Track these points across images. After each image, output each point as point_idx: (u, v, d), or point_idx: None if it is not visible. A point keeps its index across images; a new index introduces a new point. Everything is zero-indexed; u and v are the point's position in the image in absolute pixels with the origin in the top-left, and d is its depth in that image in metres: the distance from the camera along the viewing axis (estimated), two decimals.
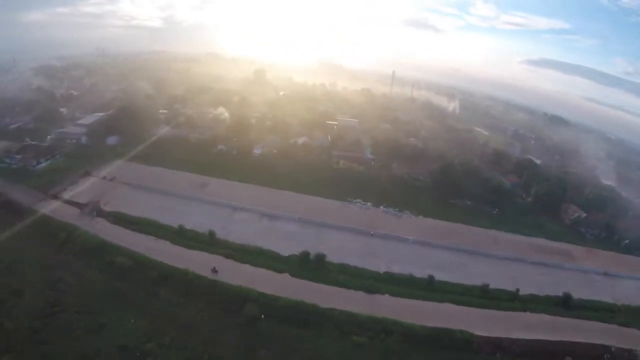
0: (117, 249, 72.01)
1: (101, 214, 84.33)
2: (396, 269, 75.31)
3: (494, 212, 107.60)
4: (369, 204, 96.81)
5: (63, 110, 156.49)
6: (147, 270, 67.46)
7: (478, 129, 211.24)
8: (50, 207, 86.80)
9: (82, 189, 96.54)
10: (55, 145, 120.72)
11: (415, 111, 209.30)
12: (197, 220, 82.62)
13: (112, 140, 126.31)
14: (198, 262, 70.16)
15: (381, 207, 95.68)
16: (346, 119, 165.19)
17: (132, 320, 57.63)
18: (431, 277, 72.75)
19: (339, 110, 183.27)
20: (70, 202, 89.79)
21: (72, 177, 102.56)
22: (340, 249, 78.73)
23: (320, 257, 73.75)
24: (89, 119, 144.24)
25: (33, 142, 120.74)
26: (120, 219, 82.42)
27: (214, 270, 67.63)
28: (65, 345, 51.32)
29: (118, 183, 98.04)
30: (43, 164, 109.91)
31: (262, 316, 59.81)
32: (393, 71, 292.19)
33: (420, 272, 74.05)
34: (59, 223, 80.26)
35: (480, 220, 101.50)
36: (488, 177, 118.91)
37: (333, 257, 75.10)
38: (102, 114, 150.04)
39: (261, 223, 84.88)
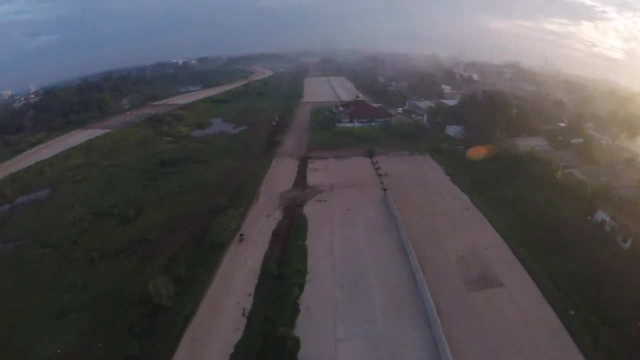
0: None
1: (292, 202, 52.13)
2: None
3: None
4: None
5: (445, 87, 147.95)
6: None
7: None
8: (281, 161, 72.84)
9: (334, 166, 68.30)
10: (382, 114, 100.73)
11: None
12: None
13: (452, 129, 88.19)
14: None
15: None
16: None
17: None
18: None
19: None
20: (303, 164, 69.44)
21: (353, 149, 77.30)
22: None
23: None
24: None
25: (364, 102, 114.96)
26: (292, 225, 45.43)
27: (241, 238, 44.99)
28: None
29: (373, 185, 59.90)
30: (346, 124, 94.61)
31: None
32: None
33: None
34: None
35: None
36: None
37: None
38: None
39: None
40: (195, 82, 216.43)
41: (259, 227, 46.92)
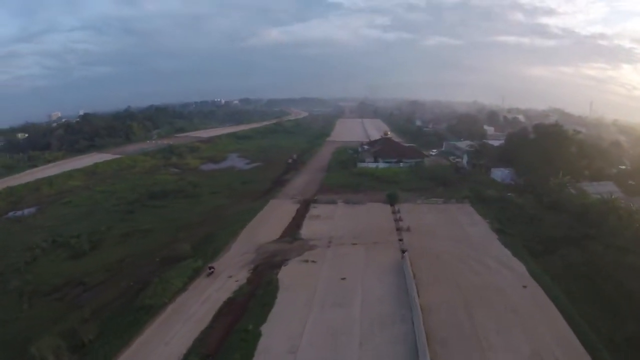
0: None
1: (269, 259, 36.44)
2: None
3: None
4: None
5: (488, 128, 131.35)
6: None
7: None
8: (279, 203, 58.85)
9: (342, 213, 52.63)
10: (413, 153, 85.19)
11: None
12: None
13: (499, 173, 70.68)
14: None
15: None
16: None
17: None
18: None
19: None
20: (304, 208, 54.51)
21: (372, 193, 61.49)
22: None
23: None
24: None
25: (391, 140, 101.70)
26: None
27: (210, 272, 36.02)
28: None
29: (388, 243, 42.82)
30: (369, 164, 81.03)
31: None
32: None
33: None
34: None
35: None
36: None
37: None
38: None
39: None
40: (230, 119, 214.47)
41: (209, 291, 31.79)
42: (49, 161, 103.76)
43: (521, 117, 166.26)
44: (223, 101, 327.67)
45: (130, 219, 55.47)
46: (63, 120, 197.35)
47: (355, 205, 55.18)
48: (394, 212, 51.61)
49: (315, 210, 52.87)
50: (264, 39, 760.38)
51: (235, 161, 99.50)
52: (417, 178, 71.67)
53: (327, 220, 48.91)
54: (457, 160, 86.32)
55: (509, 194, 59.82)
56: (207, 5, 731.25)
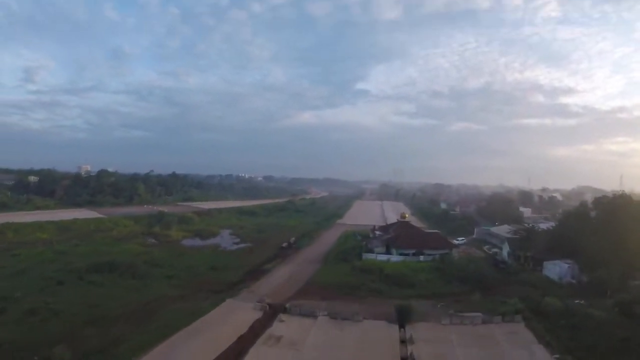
0: None
1: None
2: None
3: None
4: None
5: (524, 210, 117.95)
6: None
7: None
8: (235, 307, 38.94)
9: (317, 336, 33.47)
10: (438, 243, 64.53)
11: None
12: None
13: (554, 268, 49.65)
14: None
15: None
16: None
17: None
18: None
19: None
20: (265, 320, 33.56)
21: (375, 301, 42.54)
22: None
23: None
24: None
25: (410, 224, 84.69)
26: None
27: None
28: None
29: None
30: (379, 256, 61.24)
31: None
32: None
33: None
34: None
35: None
36: None
37: None
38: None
39: None
40: (247, 194, 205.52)
41: None
42: (38, 208, 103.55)
43: (558, 196, 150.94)
44: (247, 176, 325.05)
45: (52, 292, 41.57)
46: (92, 173, 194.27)
47: (344, 324, 35.09)
48: (402, 341, 31.40)
49: (279, 326, 33.60)
50: (294, 120, 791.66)
51: (224, 239, 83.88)
52: (442, 278, 51.31)
53: (290, 349, 29.33)
54: (495, 251, 66.50)
55: (577, 301, 39.29)
56: (247, 86, 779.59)
